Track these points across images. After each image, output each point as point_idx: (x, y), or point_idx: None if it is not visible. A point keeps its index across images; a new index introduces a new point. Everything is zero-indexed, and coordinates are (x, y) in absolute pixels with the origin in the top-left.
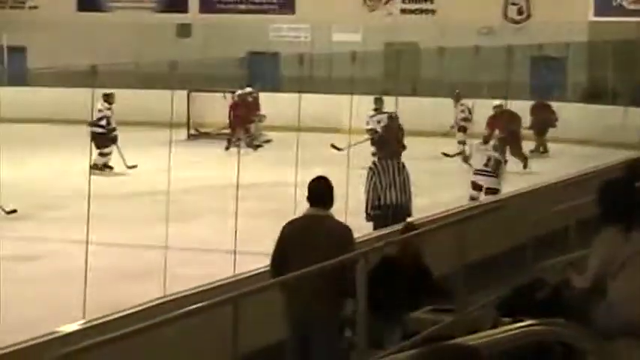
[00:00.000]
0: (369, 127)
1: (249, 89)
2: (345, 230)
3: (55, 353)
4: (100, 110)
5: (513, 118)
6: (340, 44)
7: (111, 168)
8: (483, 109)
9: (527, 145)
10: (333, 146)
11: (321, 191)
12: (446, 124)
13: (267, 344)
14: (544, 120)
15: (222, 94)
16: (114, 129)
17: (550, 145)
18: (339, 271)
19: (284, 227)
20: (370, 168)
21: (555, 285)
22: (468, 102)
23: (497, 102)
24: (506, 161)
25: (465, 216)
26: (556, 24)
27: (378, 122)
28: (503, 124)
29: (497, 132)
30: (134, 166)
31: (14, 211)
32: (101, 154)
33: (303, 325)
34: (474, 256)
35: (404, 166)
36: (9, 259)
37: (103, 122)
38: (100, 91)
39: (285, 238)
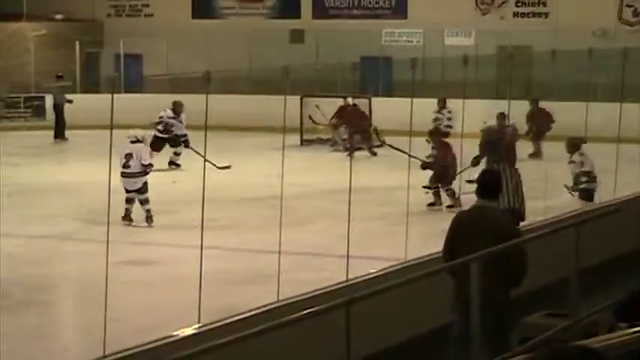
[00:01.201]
0: None
1: (351, 100)
2: (510, 221)
3: (171, 356)
4: (160, 117)
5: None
6: (453, 48)
7: (178, 165)
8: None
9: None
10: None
11: (489, 184)
12: (561, 127)
13: (382, 348)
14: (542, 125)
15: (315, 105)
16: (183, 135)
17: None
18: (505, 259)
19: (454, 217)
20: None
21: None
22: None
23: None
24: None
25: (580, 219)
26: None
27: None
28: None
29: None
30: (227, 167)
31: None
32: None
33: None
34: (589, 261)
35: (516, 170)
36: (124, 265)
37: (160, 127)
38: (215, 97)
39: (455, 228)
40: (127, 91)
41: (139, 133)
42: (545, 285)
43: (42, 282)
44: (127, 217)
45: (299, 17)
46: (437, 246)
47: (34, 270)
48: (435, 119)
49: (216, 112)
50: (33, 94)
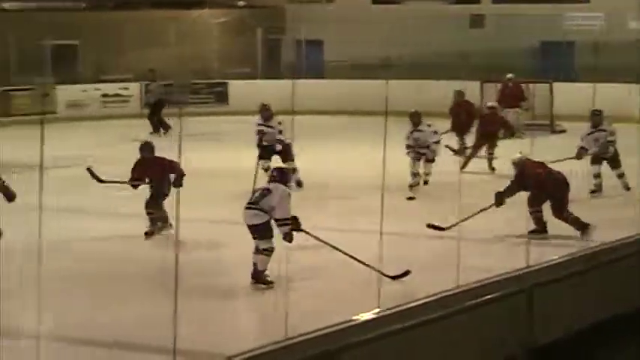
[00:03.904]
0: (582, 144)
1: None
2: None
3: (350, 341)
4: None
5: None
6: (636, 32)
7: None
8: None
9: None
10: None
11: None
12: None
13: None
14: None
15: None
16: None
17: None
18: None
19: None
20: None
21: None
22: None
23: None
24: None
25: None
26: None
27: (595, 141)
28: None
29: None
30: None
31: None
32: None
33: None
34: None
35: None
36: (294, 249)
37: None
38: (395, 83)
39: None
40: (308, 77)
41: None
42: None
43: (214, 267)
44: None
45: (479, 2)
46: (614, 233)
47: (208, 255)
48: (261, 132)
49: (396, 98)
50: (216, 81)
